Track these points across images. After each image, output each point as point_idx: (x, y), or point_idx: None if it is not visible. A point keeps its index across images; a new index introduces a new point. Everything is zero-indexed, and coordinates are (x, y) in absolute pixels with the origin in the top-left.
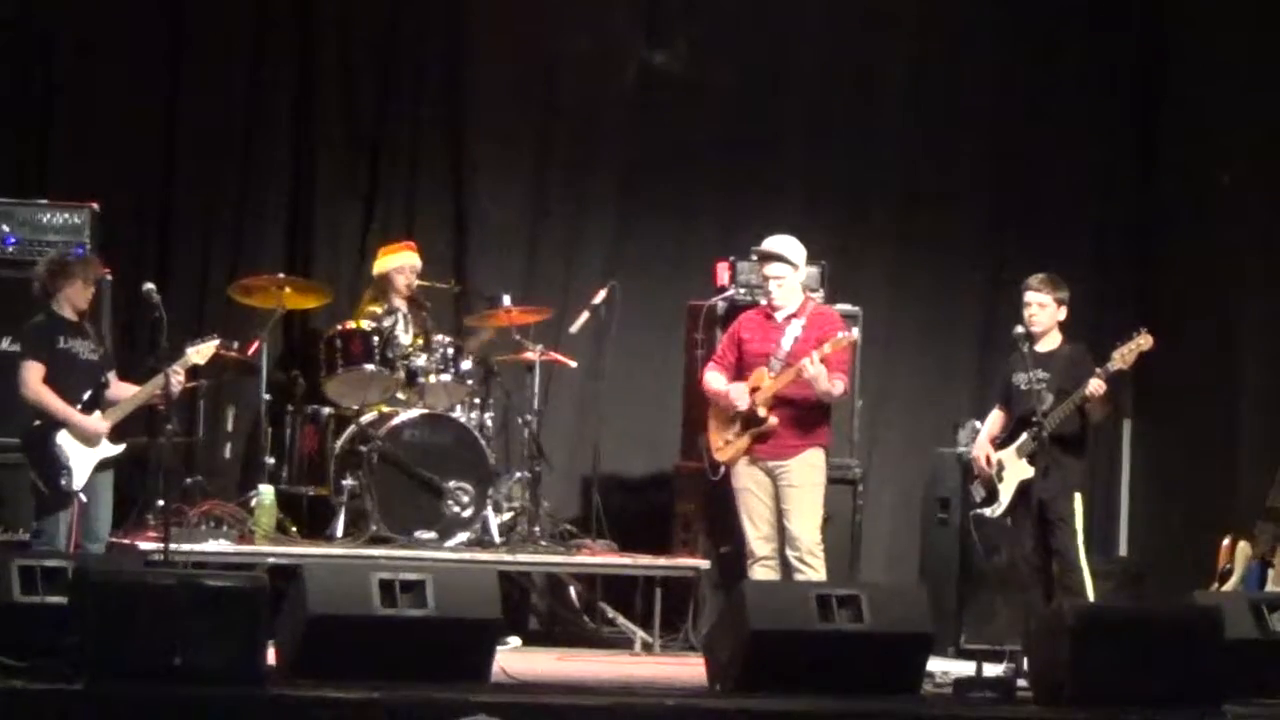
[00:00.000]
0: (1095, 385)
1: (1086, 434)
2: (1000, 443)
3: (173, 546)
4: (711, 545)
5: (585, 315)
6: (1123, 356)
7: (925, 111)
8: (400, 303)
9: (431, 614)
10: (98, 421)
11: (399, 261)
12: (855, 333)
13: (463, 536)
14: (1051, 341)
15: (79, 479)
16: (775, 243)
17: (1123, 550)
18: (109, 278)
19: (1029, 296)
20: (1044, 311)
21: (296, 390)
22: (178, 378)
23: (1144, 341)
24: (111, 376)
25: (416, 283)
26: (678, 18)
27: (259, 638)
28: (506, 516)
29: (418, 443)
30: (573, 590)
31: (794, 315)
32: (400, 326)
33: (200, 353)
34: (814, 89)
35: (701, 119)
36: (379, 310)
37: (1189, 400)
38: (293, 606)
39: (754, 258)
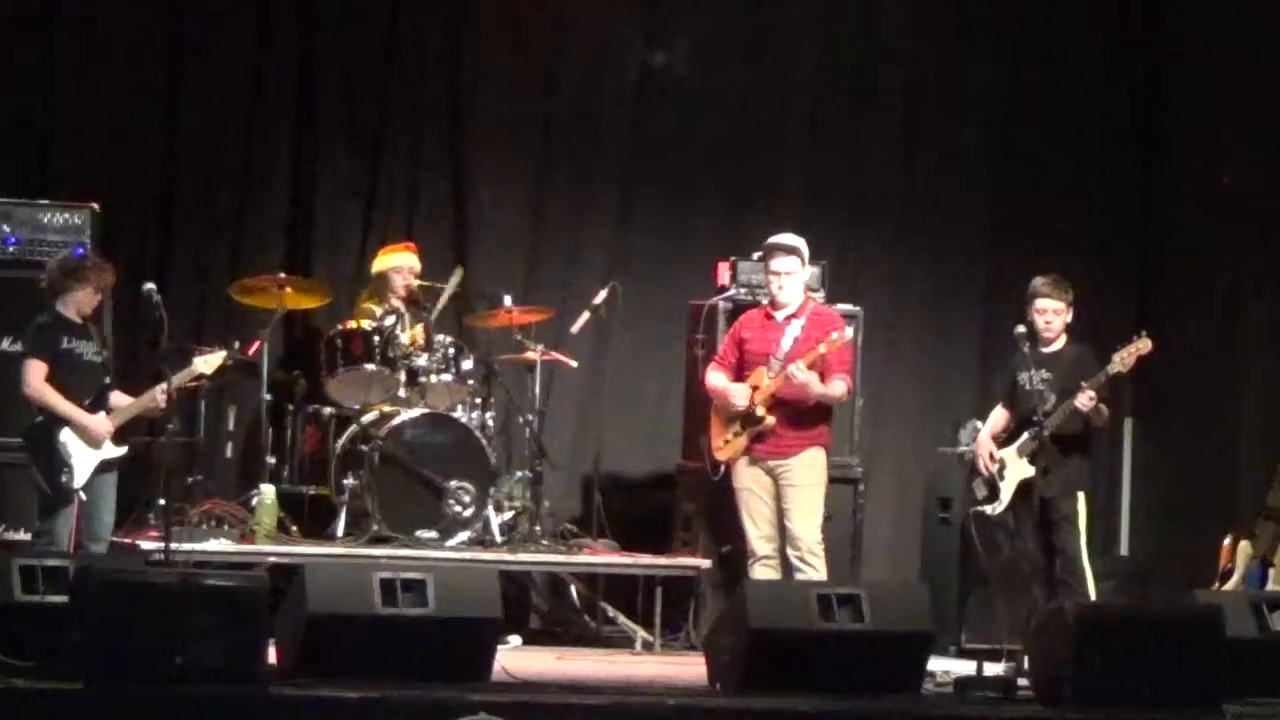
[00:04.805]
0: (1083, 399)
1: (1090, 433)
2: (1003, 441)
3: (174, 546)
4: (712, 545)
5: (586, 315)
6: (1122, 360)
7: (925, 112)
8: (398, 302)
9: (432, 613)
10: (103, 421)
11: (396, 262)
12: (848, 331)
13: (464, 536)
14: (1057, 342)
15: (80, 477)
16: (786, 237)
17: (1124, 550)
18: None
19: (1041, 304)
20: (1058, 319)
21: (297, 390)
22: (164, 396)
23: (1144, 345)
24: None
25: (416, 283)
26: (678, 18)
27: (259, 637)
28: (507, 516)
29: (419, 442)
30: (574, 590)
31: (794, 315)
32: (399, 326)
33: (208, 363)
34: (814, 89)
35: (701, 119)
36: (376, 309)
37: (1189, 400)
38: (293, 606)
39: (760, 254)
